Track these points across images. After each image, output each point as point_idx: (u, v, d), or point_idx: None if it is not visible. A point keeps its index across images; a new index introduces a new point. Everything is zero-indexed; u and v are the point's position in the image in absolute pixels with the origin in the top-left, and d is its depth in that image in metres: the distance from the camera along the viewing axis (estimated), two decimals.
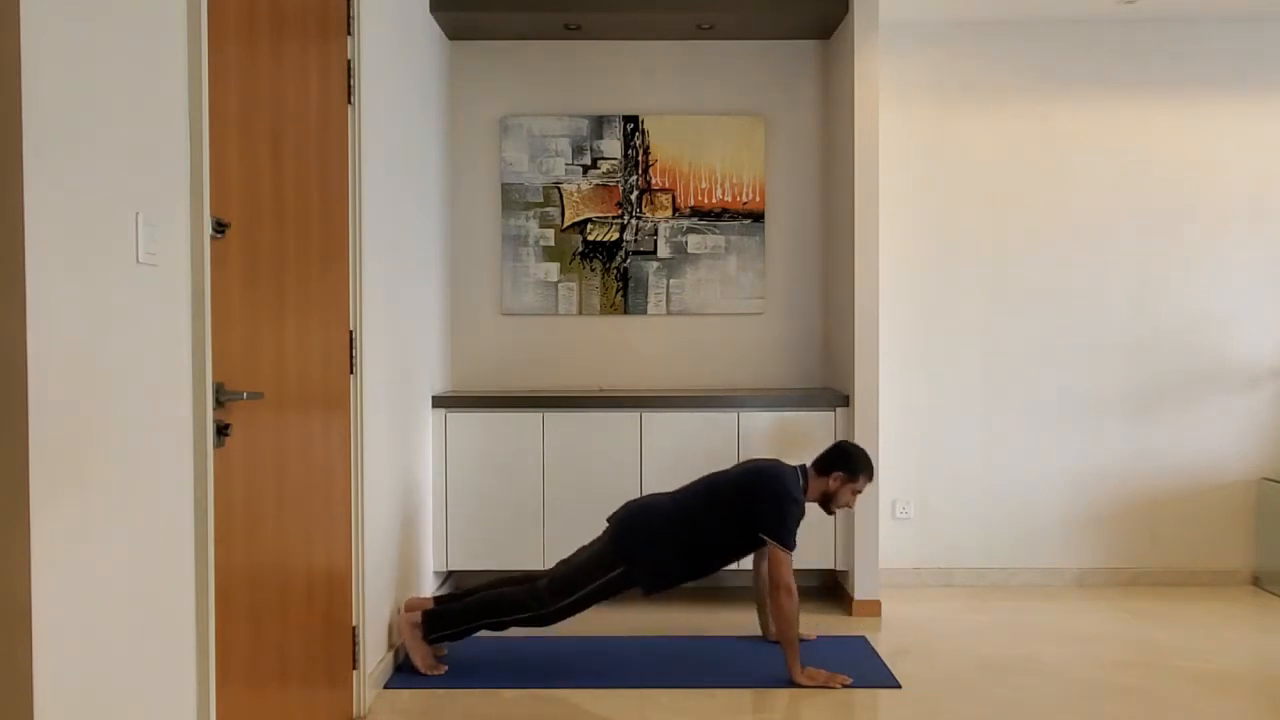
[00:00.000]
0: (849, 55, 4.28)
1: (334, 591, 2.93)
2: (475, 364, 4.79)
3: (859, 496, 3.69)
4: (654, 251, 4.76)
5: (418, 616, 3.51)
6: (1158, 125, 4.80)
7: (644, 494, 3.65)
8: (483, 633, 3.67)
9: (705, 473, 3.98)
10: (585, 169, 4.75)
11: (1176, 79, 4.79)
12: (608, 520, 3.61)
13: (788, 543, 3.45)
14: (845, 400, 4.28)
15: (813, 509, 3.96)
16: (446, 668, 3.52)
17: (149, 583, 1.91)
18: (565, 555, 4.24)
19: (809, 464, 3.68)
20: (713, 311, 4.78)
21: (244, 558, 2.30)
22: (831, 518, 4.26)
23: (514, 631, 3.89)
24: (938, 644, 3.88)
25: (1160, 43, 4.78)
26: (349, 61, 3.05)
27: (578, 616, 3.66)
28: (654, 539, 3.47)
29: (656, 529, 3.49)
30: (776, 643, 3.76)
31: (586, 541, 4.25)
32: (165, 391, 1.96)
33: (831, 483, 3.60)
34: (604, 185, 4.75)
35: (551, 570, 3.57)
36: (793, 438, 4.28)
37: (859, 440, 4.20)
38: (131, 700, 1.85)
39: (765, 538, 3.47)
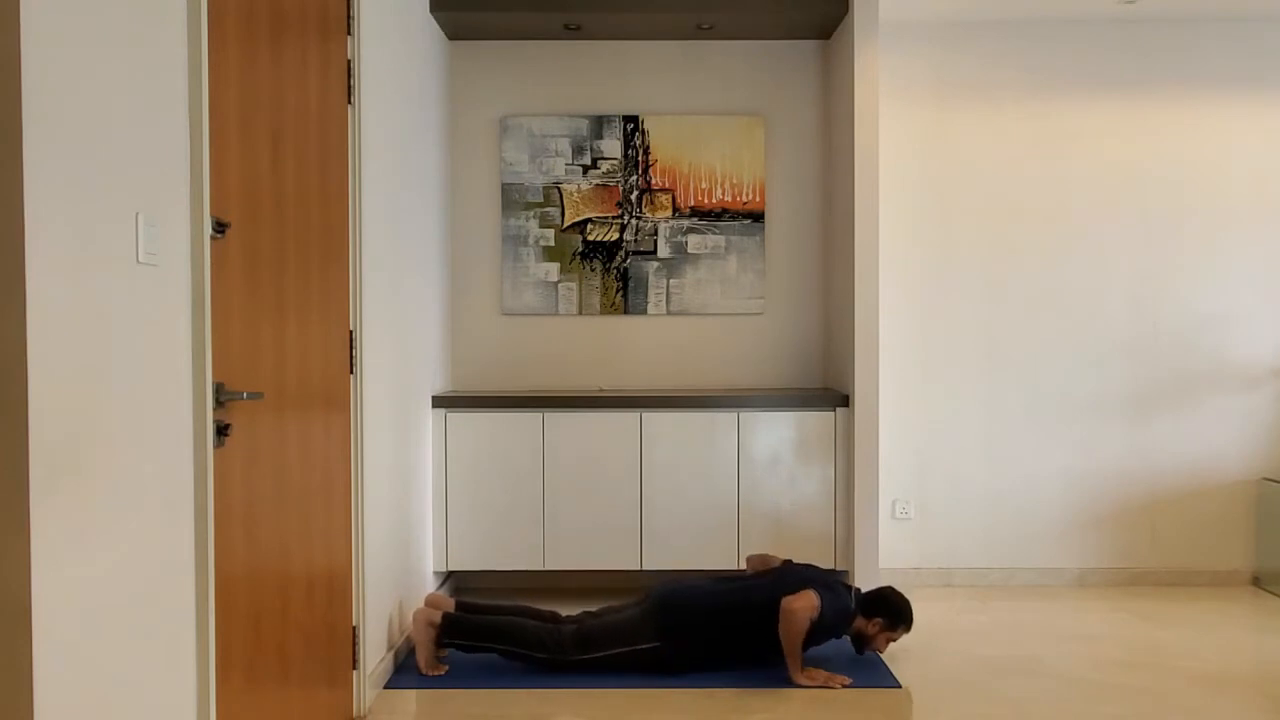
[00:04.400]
0: (849, 55, 4.28)
1: (334, 591, 2.93)
2: (475, 364, 4.79)
3: (892, 643, 3.67)
4: (654, 251, 4.76)
5: (437, 616, 3.50)
6: (1158, 125, 4.80)
7: (688, 581, 3.65)
8: None
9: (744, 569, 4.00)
10: (585, 169, 4.75)
11: (1177, 79, 4.79)
12: (649, 592, 3.60)
13: (822, 609, 3.40)
14: (845, 400, 4.28)
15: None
16: (447, 668, 3.52)
17: (149, 583, 1.91)
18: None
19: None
20: (713, 311, 4.78)
21: (244, 557, 2.30)
22: (832, 516, 4.26)
23: None
24: (938, 644, 3.88)
25: (1160, 43, 4.78)
26: (349, 61, 3.05)
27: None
28: (694, 629, 3.47)
29: (698, 620, 3.48)
30: None
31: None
32: (165, 391, 1.96)
33: (870, 627, 3.59)
34: (604, 185, 4.75)
35: (578, 619, 3.56)
36: (793, 438, 4.28)
37: (859, 441, 4.20)
38: (131, 700, 1.85)
39: (811, 589, 3.42)
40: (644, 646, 3.46)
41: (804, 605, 3.37)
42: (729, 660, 3.54)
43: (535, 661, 3.49)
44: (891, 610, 3.58)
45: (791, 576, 3.56)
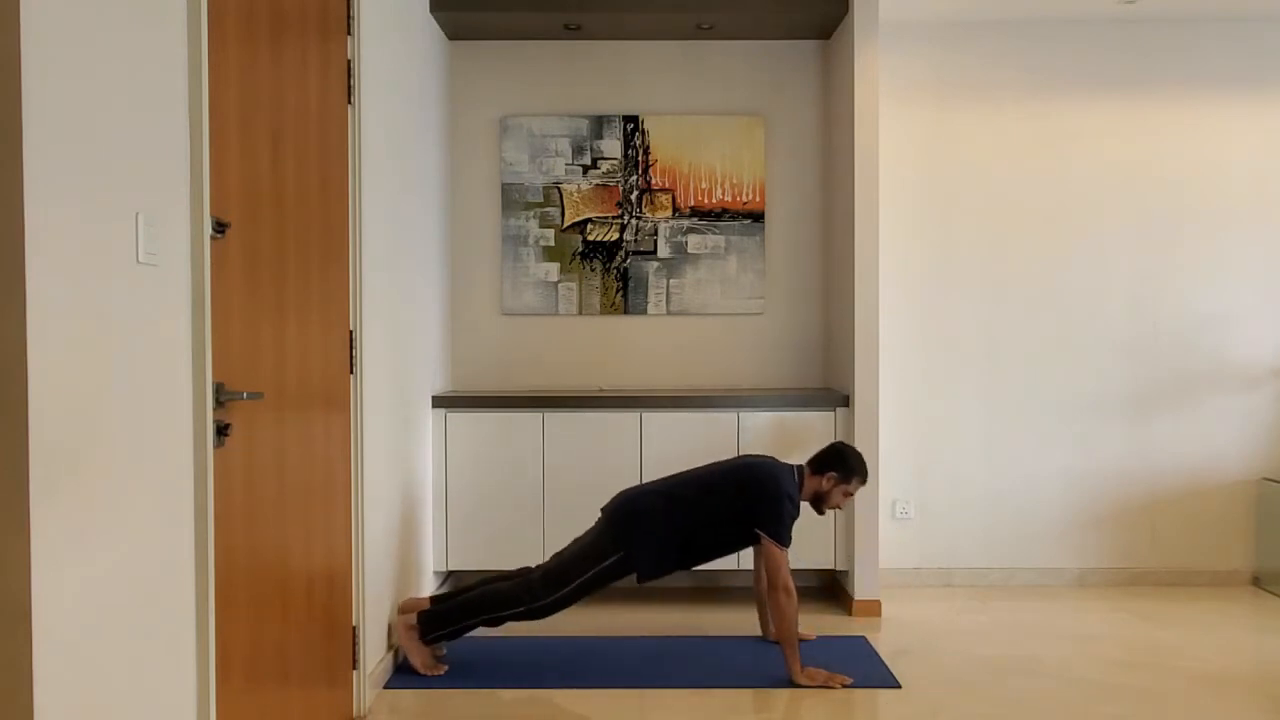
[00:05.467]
0: (849, 55, 4.28)
1: (334, 591, 2.93)
2: (475, 364, 4.79)
3: (850, 499, 3.71)
4: (654, 251, 4.76)
5: (413, 618, 3.50)
6: (1158, 125, 4.80)
7: (634, 486, 3.66)
8: (482, 632, 3.67)
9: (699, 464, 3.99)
10: (585, 169, 4.75)
11: (1176, 79, 4.79)
12: (601, 510, 3.62)
13: (783, 539, 3.46)
14: (845, 400, 4.28)
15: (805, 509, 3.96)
16: (446, 668, 3.52)
17: (149, 583, 1.91)
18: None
19: (804, 463, 3.69)
20: (713, 311, 4.78)
21: (244, 557, 2.30)
22: (832, 516, 4.26)
23: (513, 630, 3.89)
24: (938, 644, 3.88)
25: (1160, 43, 4.78)
26: (349, 61, 3.05)
27: (576, 613, 3.66)
28: (650, 527, 3.48)
29: (652, 517, 3.49)
30: (776, 643, 3.76)
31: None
32: (165, 391, 1.96)
33: (825, 483, 3.62)
34: (604, 185, 4.75)
35: (544, 564, 3.58)
36: (793, 438, 4.28)
37: (859, 441, 4.20)
38: (131, 700, 1.85)
39: (761, 534, 3.47)
40: (610, 561, 3.46)
41: (783, 573, 3.40)
42: (693, 554, 3.53)
43: (517, 617, 3.48)
44: (843, 463, 3.61)
45: (741, 479, 3.52)
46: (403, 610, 3.60)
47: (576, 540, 3.60)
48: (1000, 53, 4.78)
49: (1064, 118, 4.79)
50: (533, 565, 3.64)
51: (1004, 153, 4.79)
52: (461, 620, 3.50)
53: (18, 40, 1.52)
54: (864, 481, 3.66)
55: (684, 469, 4.12)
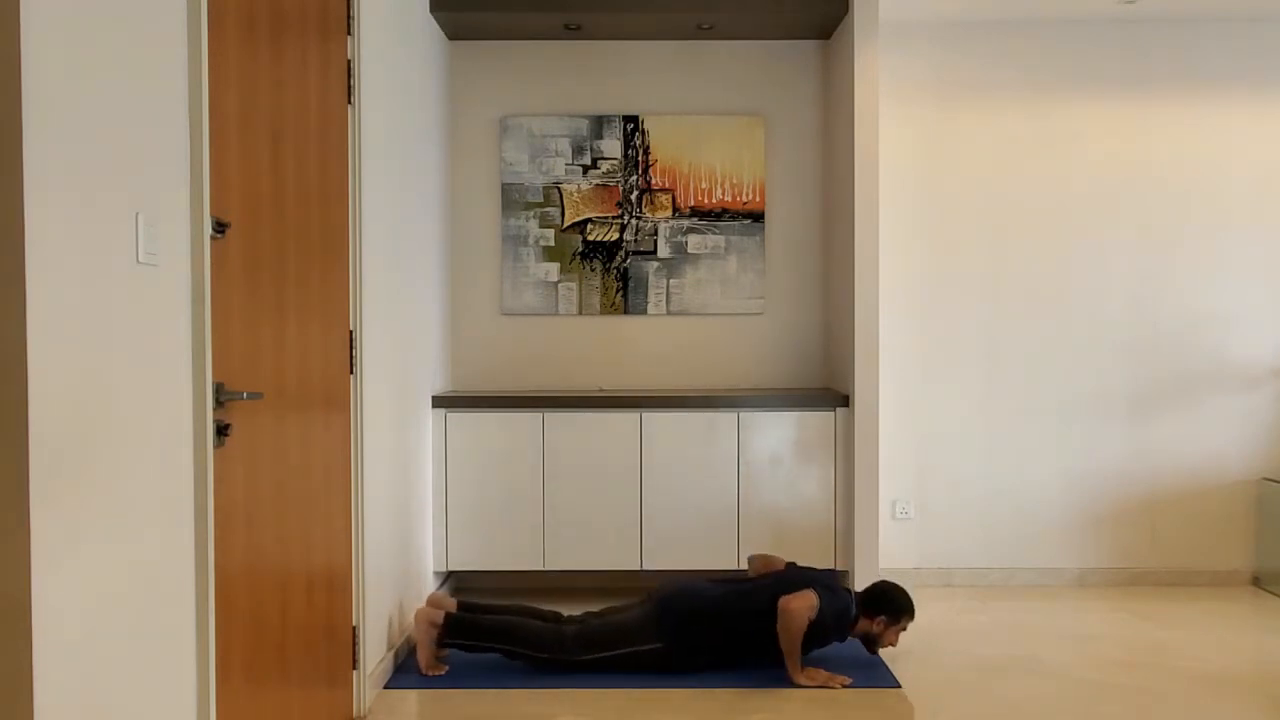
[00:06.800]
0: (849, 55, 4.28)
1: (334, 591, 2.93)
2: (475, 364, 4.79)
3: (904, 633, 3.69)
4: (654, 251, 4.76)
5: (439, 616, 3.50)
6: (1158, 125, 4.80)
7: (690, 581, 3.65)
8: None
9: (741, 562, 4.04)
10: (585, 169, 4.75)
11: (1177, 79, 4.79)
12: (652, 592, 3.60)
13: (823, 608, 3.41)
14: (845, 400, 4.28)
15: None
16: (447, 668, 3.52)
17: (149, 582, 1.91)
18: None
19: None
20: (713, 311, 4.78)
21: (244, 557, 2.30)
22: (832, 516, 4.26)
23: None
24: (938, 644, 3.88)
25: (1160, 43, 4.78)
26: (349, 61, 3.05)
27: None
28: (698, 630, 3.48)
29: (701, 621, 3.48)
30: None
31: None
32: (165, 391, 1.96)
33: (876, 625, 3.58)
34: (604, 185, 4.75)
35: (581, 619, 3.57)
36: (793, 438, 4.28)
37: (859, 441, 4.20)
38: (131, 700, 1.85)
39: (811, 588, 3.44)
40: (647, 648, 3.46)
41: (802, 605, 3.37)
42: (732, 661, 3.54)
43: (538, 661, 3.48)
44: (892, 605, 3.59)
45: (793, 578, 3.56)
46: (430, 604, 3.60)
47: (618, 609, 3.60)
48: (1000, 53, 4.78)
49: (1064, 118, 4.79)
50: (568, 615, 3.62)
51: (1004, 153, 4.79)
52: (485, 640, 3.49)
53: (18, 40, 1.52)
54: (913, 617, 3.62)
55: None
